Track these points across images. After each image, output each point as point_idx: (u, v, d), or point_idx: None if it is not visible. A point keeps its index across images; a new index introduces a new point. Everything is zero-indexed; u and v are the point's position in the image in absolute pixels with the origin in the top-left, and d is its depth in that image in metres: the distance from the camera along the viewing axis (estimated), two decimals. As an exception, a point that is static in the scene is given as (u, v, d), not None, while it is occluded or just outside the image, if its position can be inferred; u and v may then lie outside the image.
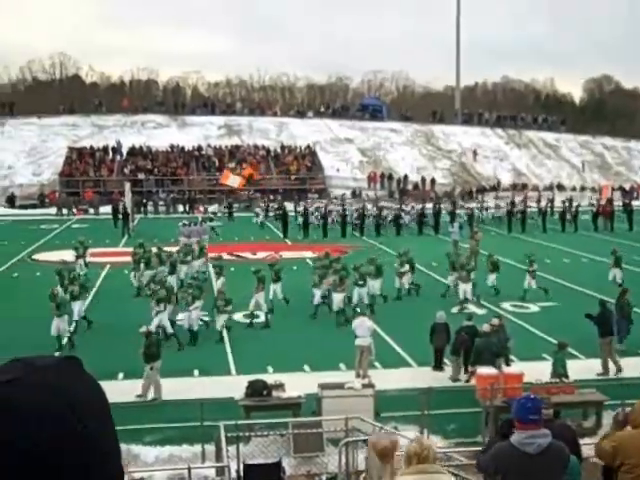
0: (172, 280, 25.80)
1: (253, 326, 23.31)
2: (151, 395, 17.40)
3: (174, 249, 30.87)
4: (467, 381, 17.97)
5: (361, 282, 24.76)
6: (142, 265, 27.92)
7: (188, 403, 15.69)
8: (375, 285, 25.67)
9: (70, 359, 1.29)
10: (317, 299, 24.57)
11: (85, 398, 1.24)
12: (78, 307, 22.58)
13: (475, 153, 74.60)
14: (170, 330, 21.53)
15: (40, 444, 1.15)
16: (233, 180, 48.87)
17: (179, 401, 16.45)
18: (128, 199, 47.52)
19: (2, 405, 1.16)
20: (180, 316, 22.40)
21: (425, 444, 6.12)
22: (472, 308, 24.69)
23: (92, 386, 1.29)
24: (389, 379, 17.93)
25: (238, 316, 23.72)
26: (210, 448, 13.53)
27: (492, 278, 27.26)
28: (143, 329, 18.14)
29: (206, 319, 22.81)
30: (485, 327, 18.27)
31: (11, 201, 59.16)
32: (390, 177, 67.41)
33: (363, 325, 18.94)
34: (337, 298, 24.04)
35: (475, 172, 72.20)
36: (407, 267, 27.36)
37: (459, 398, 16.70)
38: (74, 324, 22.11)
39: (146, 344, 17.44)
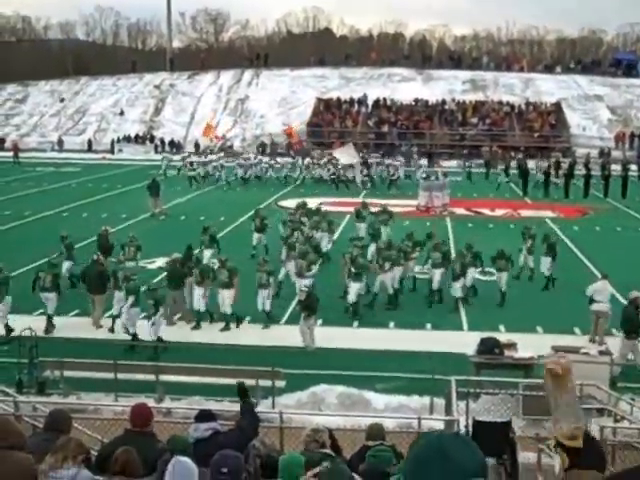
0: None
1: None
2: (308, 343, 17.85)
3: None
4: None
5: None
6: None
7: (418, 355, 16.03)
8: None
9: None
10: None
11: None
12: None
13: None
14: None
15: None
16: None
17: (409, 352, 16.83)
18: (349, 154, 46.54)
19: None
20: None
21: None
22: None
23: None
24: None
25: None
26: (439, 401, 13.76)
27: None
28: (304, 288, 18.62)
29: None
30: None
31: (262, 149, 62.29)
32: (641, 137, 63.73)
33: (604, 290, 18.31)
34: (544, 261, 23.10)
35: None
36: None
37: None
38: None
39: (305, 298, 17.93)
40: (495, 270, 21.87)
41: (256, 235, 26.52)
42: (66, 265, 22.15)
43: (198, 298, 19.32)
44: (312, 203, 32.07)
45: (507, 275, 21.59)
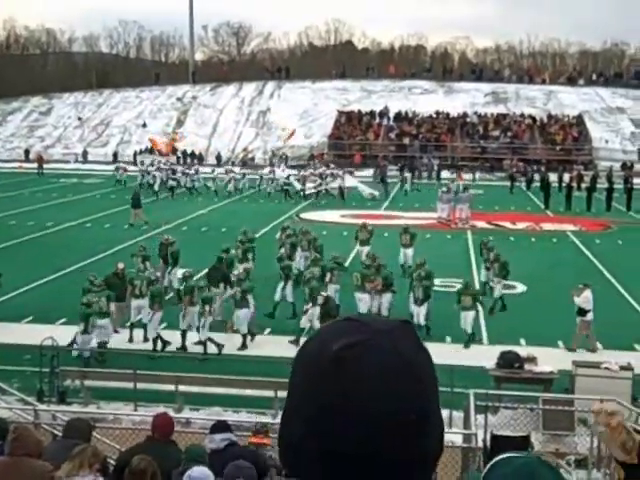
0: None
1: None
2: None
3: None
4: None
5: None
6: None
7: (438, 368, 15.90)
8: None
9: (406, 323, 1.34)
10: None
11: (420, 361, 1.32)
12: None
13: None
14: None
15: (379, 401, 1.23)
16: (162, 145, 63.06)
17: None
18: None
19: (348, 366, 1.24)
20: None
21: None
22: None
23: (424, 349, 1.34)
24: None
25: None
26: (457, 414, 13.70)
27: None
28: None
29: None
30: None
31: (284, 161, 62.39)
32: (664, 151, 63.33)
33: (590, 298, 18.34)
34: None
35: None
36: None
37: None
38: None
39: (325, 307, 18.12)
40: (458, 306, 19.26)
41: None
42: None
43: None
44: (333, 216, 32.15)
45: (472, 315, 19.18)
